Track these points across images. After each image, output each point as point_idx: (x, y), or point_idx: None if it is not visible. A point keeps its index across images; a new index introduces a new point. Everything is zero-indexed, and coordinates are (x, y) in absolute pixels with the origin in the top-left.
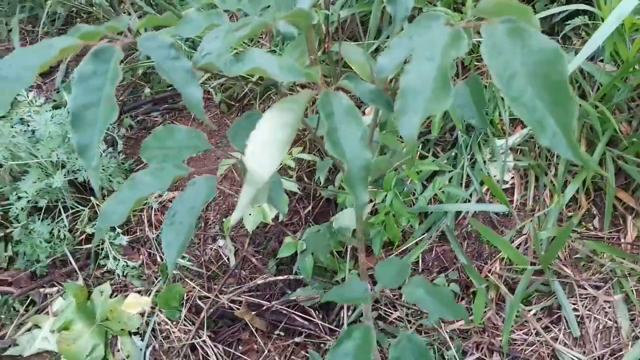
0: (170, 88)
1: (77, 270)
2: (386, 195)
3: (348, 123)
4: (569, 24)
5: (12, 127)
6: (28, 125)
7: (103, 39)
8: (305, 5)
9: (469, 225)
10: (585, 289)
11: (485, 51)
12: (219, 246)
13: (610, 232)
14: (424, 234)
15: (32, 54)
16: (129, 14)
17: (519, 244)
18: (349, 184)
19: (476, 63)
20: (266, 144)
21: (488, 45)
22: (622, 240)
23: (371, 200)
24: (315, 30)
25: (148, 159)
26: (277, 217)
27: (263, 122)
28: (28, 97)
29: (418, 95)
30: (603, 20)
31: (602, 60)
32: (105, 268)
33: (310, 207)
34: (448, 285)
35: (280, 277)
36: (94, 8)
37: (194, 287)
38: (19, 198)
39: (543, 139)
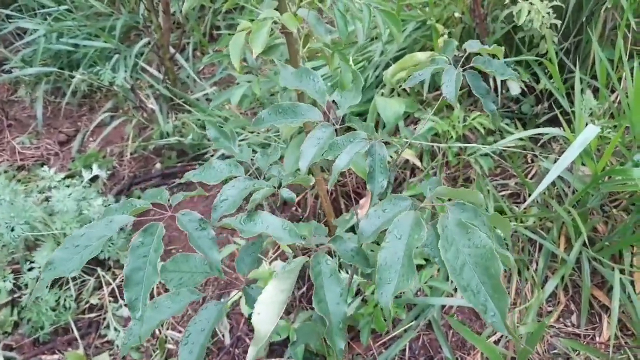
0: (179, 164)
1: (79, 339)
2: (375, 289)
3: (331, 282)
4: (547, 134)
5: (30, 198)
6: (47, 200)
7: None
8: (303, 166)
9: (455, 315)
10: None
11: (441, 246)
12: None
13: (587, 329)
14: (412, 320)
15: (96, 228)
16: (147, 94)
17: (501, 336)
18: (329, 334)
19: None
20: (269, 305)
21: (443, 239)
22: (598, 338)
23: (359, 291)
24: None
25: (166, 280)
26: None
27: (268, 288)
28: (49, 172)
29: (391, 270)
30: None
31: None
32: (106, 338)
33: (305, 288)
34: None
35: None
36: (114, 87)
37: None
38: (31, 269)
39: (487, 318)
